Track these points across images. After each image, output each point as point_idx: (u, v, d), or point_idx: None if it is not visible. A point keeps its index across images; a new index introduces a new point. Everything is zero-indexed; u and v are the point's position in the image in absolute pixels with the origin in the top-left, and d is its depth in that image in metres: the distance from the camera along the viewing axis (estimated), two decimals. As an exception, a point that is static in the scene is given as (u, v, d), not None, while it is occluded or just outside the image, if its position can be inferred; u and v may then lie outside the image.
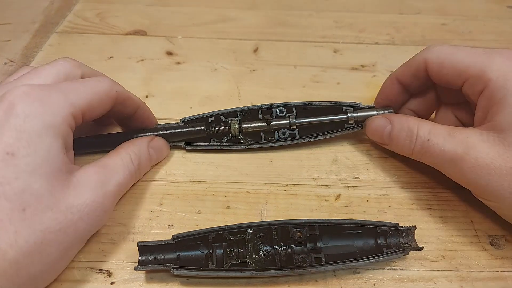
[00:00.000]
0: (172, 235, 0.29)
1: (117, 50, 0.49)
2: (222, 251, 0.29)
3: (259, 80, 0.46)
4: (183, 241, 0.29)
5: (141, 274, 0.29)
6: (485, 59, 0.30)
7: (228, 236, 0.29)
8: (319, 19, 0.55)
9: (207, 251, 0.29)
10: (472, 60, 0.30)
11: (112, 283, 0.29)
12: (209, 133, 0.37)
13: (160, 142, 0.36)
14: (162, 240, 0.29)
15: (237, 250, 0.29)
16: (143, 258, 0.28)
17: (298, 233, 0.29)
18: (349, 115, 0.37)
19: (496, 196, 0.29)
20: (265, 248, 0.30)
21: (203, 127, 0.36)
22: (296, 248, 0.30)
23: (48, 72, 0.30)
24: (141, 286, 0.29)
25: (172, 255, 0.29)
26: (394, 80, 0.36)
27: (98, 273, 0.29)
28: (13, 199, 0.24)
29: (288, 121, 0.37)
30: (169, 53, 0.49)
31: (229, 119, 0.37)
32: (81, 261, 0.30)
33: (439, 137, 0.30)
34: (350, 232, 0.30)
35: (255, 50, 0.50)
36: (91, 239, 0.30)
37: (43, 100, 0.26)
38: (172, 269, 0.27)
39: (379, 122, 0.35)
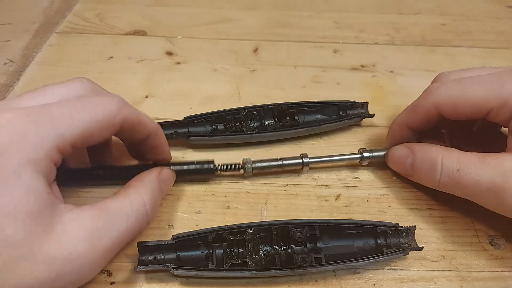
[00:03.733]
0: (172, 235, 0.29)
1: (117, 50, 0.49)
2: (222, 251, 0.29)
3: (259, 81, 0.46)
4: (183, 241, 0.29)
5: (141, 274, 0.29)
6: (500, 88, 0.28)
7: (228, 236, 0.29)
8: (319, 20, 0.55)
9: (207, 251, 0.29)
10: (487, 92, 0.29)
11: (112, 283, 0.29)
12: (218, 169, 0.34)
13: (169, 174, 0.33)
14: (162, 240, 0.29)
15: (237, 250, 0.29)
16: (143, 258, 0.28)
17: (298, 233, 0.29)
18: (364, 155, 0.35)
19: None
20: (265, 248, 0.30)
21: (211, 166, 0.34)
22: (296, 248, 0.30)
23: (57, 92, 0.26)
24: (141, 286, 0.29)
25: (172, 255, 0.29)
26: (403, 127, 0.34)
27: (98, 273, 0.29)
28: None
29: (300, 161, 0.35)
30: (169, 53, 0.49)
31: (243, 159, 0.35)
32: (81, 261, 0.30)
33: (470, 166, 0.28)
34: (350, 232, 0.30)
35: (255, 51, 0.50)
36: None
37: (26, 130, 0.23)
38: (172, 269, 0.27)
39: (400, 152, 0.33)
